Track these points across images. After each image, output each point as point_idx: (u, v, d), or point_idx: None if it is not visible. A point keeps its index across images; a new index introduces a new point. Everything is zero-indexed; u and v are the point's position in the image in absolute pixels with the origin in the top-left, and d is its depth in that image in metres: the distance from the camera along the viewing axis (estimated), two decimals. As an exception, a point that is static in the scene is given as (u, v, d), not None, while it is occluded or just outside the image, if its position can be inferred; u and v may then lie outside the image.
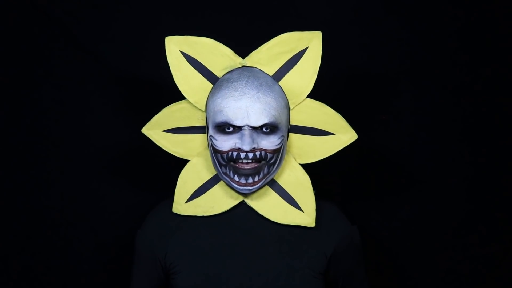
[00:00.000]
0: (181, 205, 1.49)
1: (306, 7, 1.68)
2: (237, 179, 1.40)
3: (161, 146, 1.50)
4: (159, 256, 1.47)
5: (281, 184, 1.47)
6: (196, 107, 1.47)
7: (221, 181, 1.48)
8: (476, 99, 1.73)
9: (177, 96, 1.48)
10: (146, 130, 1.51)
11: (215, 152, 1.41)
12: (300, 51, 1.44)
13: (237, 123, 1.37)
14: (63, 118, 1.72)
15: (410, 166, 1.75)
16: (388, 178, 1.75)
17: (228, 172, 1.41)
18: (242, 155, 1.38)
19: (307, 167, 1.48)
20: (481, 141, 1.74)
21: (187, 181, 1.49)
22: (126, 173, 1.74)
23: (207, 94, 1.46)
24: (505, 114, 1.73)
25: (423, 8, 1.69)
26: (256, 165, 1.39)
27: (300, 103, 1.46)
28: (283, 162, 1.46)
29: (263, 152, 1.38)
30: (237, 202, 1.46)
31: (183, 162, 1.50)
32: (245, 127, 1.37)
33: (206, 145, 1.48)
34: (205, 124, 1.48)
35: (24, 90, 1.70)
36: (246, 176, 1.39)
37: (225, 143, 1.39)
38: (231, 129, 1.38)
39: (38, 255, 1.71)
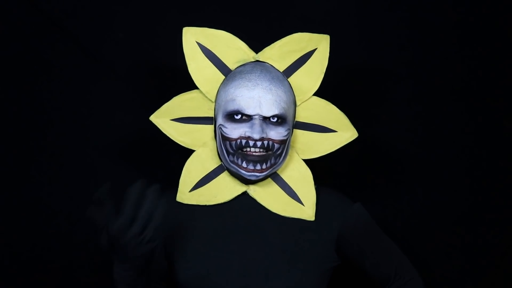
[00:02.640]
0: (185, 194, 1.51)
1: (313, 7, 1.78)
2: (245, 166, 1.44)
3: (167, 135, 1.54)
4: (161, 244, 1.48)
5: (283, 178, 1.52)
6: (206, 97, 1.52)
7: (225, 171, 1.51)
8: (476, 95, 1.80)
9: (187, 86, 1.52)
10: (155, 118, 1.54)
11: (224, 140, 1.45)
12: (309, 51, 1.52)
13: (249, 112, 1.43)
14: (69, 108, 1.74)
15: (410, 163, 1.81)
16: (387, 173, 1.81)
17: (236, 160, 1.45)
18: (251, 143, 1.42)
19: (307, 162, 1.54)
20: (480, 135, 1.79)
21: (192, 170, 1.52)
22: (132, 163, 1.76)
23: (219, 85, 1.52)
24: (504, 109, 1.79)
25: (424, 6, 1.78)
26: (264, 153, 1.44)
27: (306, 100, 1.53)
28: (287, 157, 1.52)
29: (270, 142, 1.44)
30: (240, 192, 1.50)
31: (188, 153, 1.53)
32: (256, 116, 1.43)
33: (212, 135, 1.53)
34: (213, 115, 1.53)
35: (27, 86, 1.72)
36: (254, 163, 1.44)
37: (235, 130, 1.43)
38: (240, 116, 1.43)
39: (41, 249, 1.72)
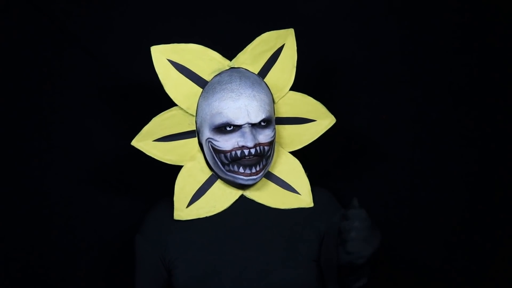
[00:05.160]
0: (182, 211, 1.51)
1: (284, 4, 1.78)
2: (242, 171, 1.45)
3: (152, 156, 1.51)
4: (160, 255, 1.50)
5: (275, 173, 1.56)
6: (187, 112, 1.50)
7: (218, 180, 1.53)
8: (456, 88, 1.87)
9: (165, 103, 1.49)
10: (136, 142, 1.50)
11: (217, 152, 1.46)
12: (278, 48, 1.54)
13: (239, 122, 1.44)
14: (61, 124, 1.74)
15: (387, 151, 1.89)
16: (364, 160, 1.89)
17: (232, 168, 1.46)
18: (246, 151, 1.44)
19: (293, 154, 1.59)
20: (466, 129, 1.87)
21: (185, 186, 1.52)
22: (121, 180, 1.75)
23: (198, 98, 1.50)
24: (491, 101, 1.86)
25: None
26: (256, 158, 1.46)
27: (283, 96, 1.56)
28: (275, 154, 1.55)
29: (261, 147, 1.46)
30: (237, 197, 1.53)
31: (176, 167, 1.52)
32: (246, 125, 1.44)
33: (198, 148, 1.52)
34: (195, 128, 1.51)
35: (20, 93, 1.70)
36: (250, 167, 1.46)
37: (227, 142, 1.44)
38: (232, 127, 1.44)
39: (35, 261, 1.72)
